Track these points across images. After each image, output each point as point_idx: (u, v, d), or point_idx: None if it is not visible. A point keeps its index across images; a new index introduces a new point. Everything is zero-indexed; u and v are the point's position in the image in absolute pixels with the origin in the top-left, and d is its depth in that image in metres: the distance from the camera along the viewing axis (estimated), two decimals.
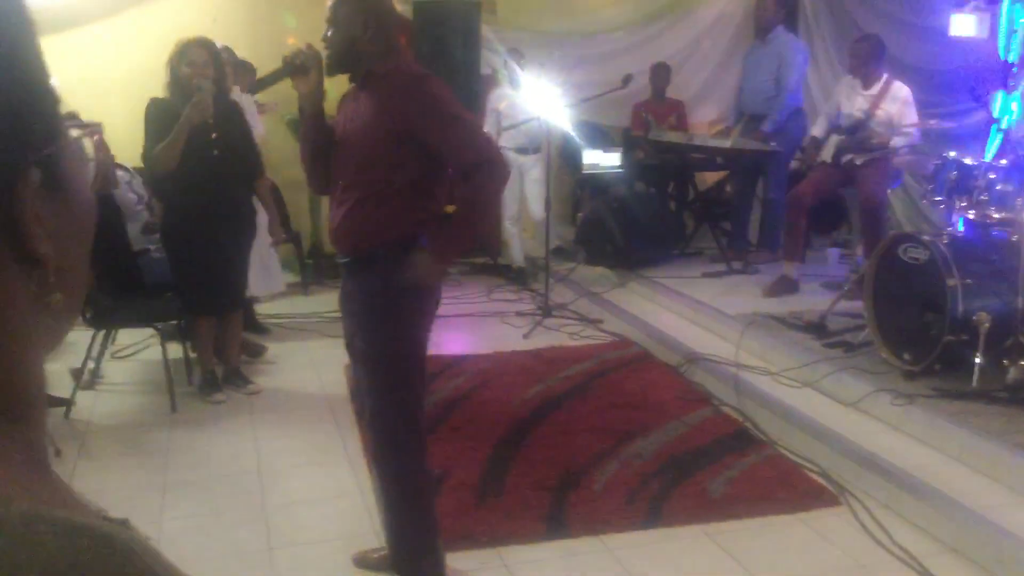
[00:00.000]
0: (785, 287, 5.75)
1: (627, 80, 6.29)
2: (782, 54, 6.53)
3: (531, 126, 6.50)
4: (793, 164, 7.07)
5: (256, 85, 2.77)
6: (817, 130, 5.92)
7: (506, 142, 6.83)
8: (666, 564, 3.09)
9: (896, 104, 5.48)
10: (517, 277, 7.04)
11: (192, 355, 4.78)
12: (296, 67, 2.73)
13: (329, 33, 2.70)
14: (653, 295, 6.14)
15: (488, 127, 6.87)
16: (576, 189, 8.13)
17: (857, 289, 5.05)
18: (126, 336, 5.25)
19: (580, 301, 6.33)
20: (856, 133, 5.56)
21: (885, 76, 5.58)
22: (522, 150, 6.80)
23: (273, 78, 2.84)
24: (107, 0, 6.79)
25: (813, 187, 5.72)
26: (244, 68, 5.85)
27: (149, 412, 4.47)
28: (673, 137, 7.01)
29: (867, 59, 5.56)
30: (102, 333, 4.74)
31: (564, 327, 5.86)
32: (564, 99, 6.41)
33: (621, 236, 6.59)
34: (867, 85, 5.60)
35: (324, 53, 2.72)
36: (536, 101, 6.28)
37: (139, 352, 5.26)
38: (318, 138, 2.79)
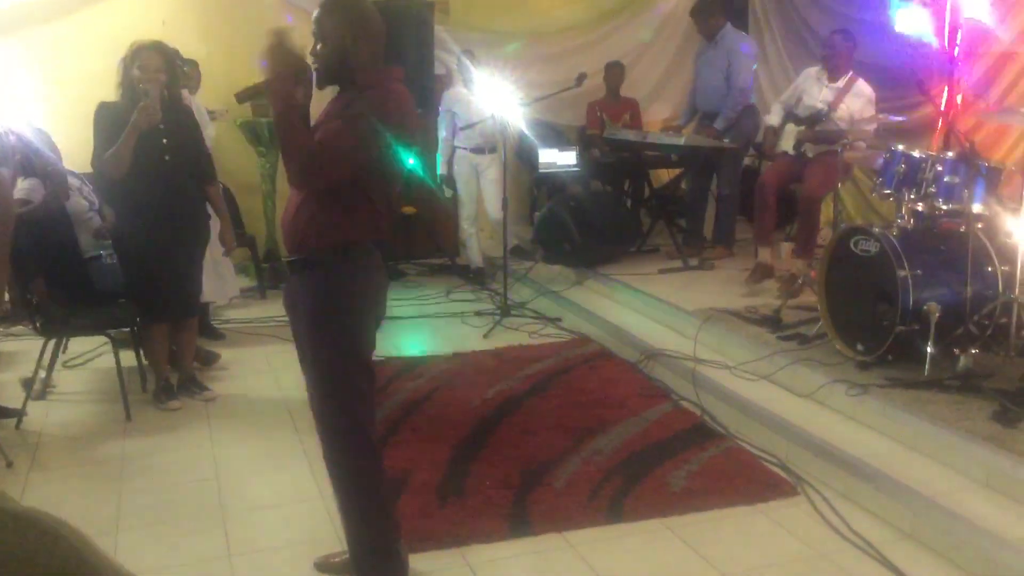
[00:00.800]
0: (763, 273, 5.79)
1: (581, 79, 6.31)
2: (731, 52, 6.60)
3: (486, 125, 6.50)
4: (746, 160, 7.15)
5: (242, 95, 2.74)
6: (774, 118, 5.98)
7: (462, 142, 6.83)
8: (629, 558, 3.11)
9: (859, 101, 5.57)
10: (476, 277, 7.04)
11: (146, 362, 4.71)
12: None
13: (319, 47, 2.66)
14: (611, 292, 6.17)
15: (443, 129, 6.87)
16: (533, 188, 8.15)
17: (796, 286, 5.14)
18: (78, 344, 5.15)
19: (539, 300, 6.34)
20: (816, 124, 5.63)
21: (851, 72, 5.67)
22: (478, 150, 6.81)
23: (259, 88, 2.80)
24: (55, 2, 6.67)
25: (776, 175, 5.79)
26: (192, 66, 5.79)
27: (103, 421, 4.39)
28: (628, 135, 7.05)
29: (840, 51, 5.65)
30: (53, 342, 4.65)
31: (523, 326, 5.87)
32: (518, 98, 6.42)
33: (578, 234, 6.61)
34: (833, 78, 5.68)
35: (314, 67, 2.67)
36: (491, 100, 6.28)
37: (91, 361, 5.17)
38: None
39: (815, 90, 5.72)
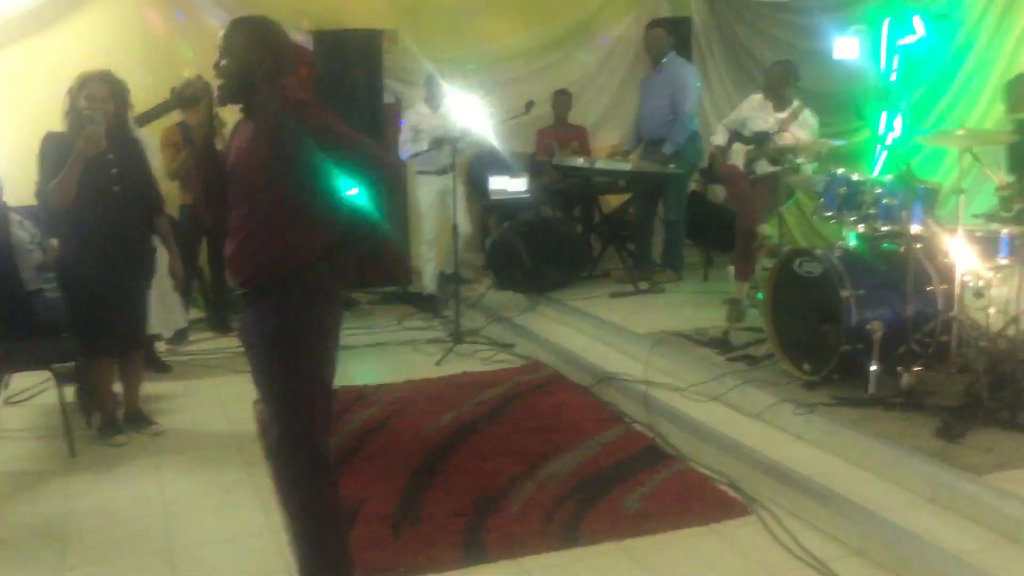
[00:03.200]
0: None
1: (529, 107, 6.38)
2: (675, 80, 6.71)
3: (464, 142, 6.47)
4: (692, 185, 7.27)
5: (142, 118, 2.71)
6: (719, 139, 6.05)
7: (425, 167, 6.80)
8: None
9: (804, 131, 5.68)
10: (428, 305, 7.02)
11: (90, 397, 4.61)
12: (185, 98, 2.68)
13: (223, 62, 2.65)
14: (563, 317, 6.20)
15: (407, 142, 6.79)
16: (483, 215, 8.18)
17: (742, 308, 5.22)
18: (21, 380, 5.03)
19: (491, 326, 6.35)
20: (764, 144, 5.71)
21: (796, 102, 5.78)
22: (443, 171, 6.77)
23: (160, 110, 2.78)
24: None
25: (749, 204, 5.85)
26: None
27: (47, 458, 4.29)
28: (577, 162, 7.12)
29: (781, 82, 5.77)
30: None
31: (476, 353, 5.87)
32: (478, 120, 6.47)
33: (530, 260, 6.66)
34: (779, 107, 5.79)
35: (216, 82, 2.67)
36: (463, 115, 6.33)
37: (35, 396, 5.06)
38: (209, 170, 2.74)
39: (760, 118, 5.80)
